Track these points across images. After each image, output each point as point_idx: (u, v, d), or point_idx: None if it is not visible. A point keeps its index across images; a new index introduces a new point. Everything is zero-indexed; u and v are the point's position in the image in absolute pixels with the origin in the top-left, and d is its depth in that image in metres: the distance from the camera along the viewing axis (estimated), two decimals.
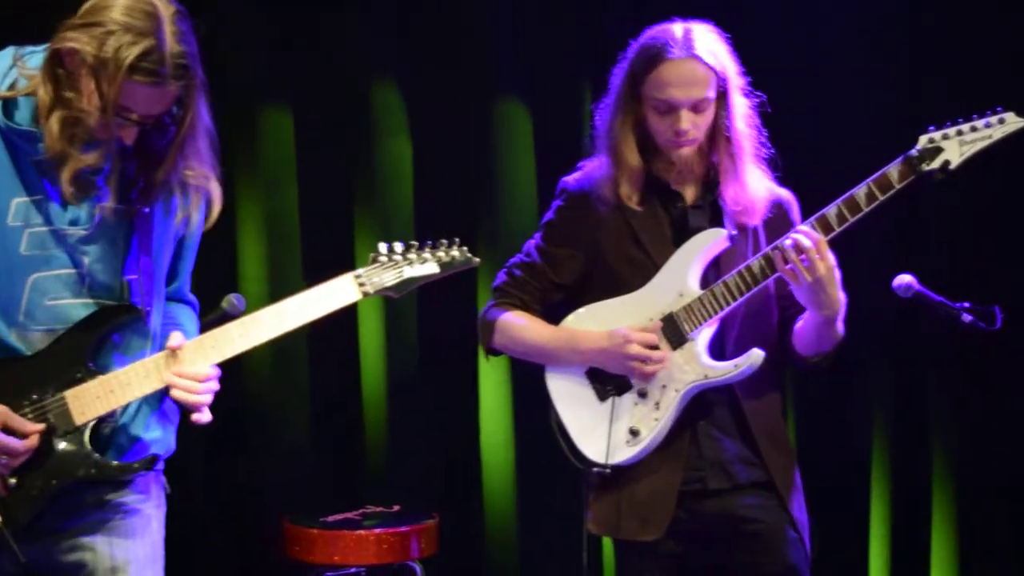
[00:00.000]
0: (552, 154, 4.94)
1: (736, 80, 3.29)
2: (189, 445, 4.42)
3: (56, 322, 2.76)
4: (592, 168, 3.39)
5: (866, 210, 3.18)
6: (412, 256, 2.87)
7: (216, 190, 2.82)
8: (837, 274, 3.19)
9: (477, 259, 2.94)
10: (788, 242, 3.16)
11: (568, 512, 4.81)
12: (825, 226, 3.17)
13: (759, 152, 3.34)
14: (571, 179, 3.41)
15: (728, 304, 3.23)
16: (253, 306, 2.85)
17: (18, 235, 2.73)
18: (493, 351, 3.48)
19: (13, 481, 2.75)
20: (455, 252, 2.91)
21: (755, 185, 3.31)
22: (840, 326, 3.26)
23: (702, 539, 3.31)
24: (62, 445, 2.78)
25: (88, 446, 2.78)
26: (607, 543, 4.84)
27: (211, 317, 2.89)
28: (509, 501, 4.90)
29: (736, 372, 3.23)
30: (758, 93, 3.34)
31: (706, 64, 3.21)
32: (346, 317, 4.48)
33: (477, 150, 4.93)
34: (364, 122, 4.86)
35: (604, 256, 3.35)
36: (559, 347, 3.35)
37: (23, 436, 2.73)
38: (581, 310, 3.38)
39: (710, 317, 3.24)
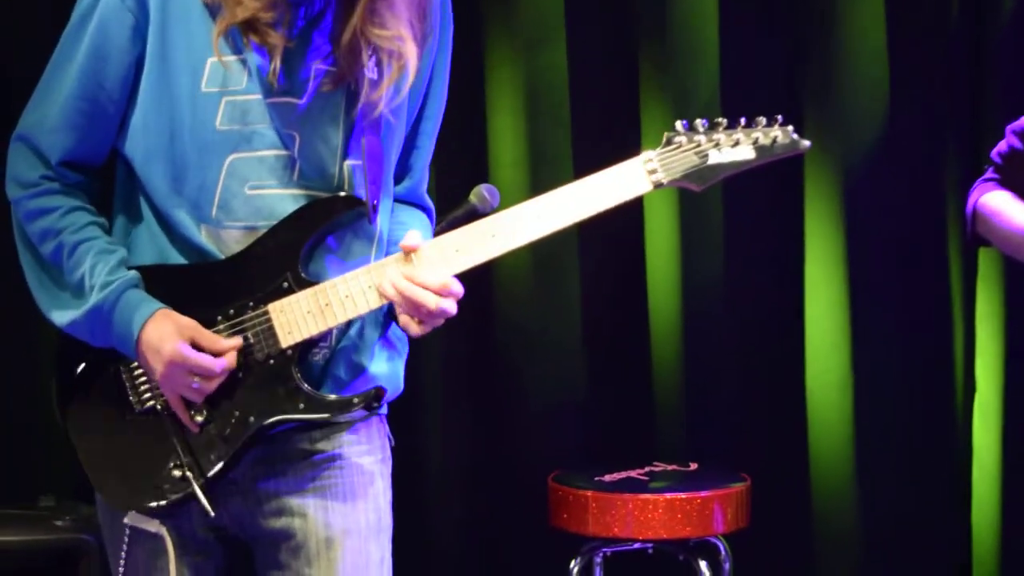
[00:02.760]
0: (910, 12, 4.65)
1: None
2: (425, 385, 4.64)
3: (258, 217, 2.73)
4: None
5: None
6: (720, 137, 2.71)
7: (413, 57, 2.77)
8: None
9: (807, 143, 2.75)
10: None
11: (925, 479, 4.75)
12: None
13: None
14: None
15: None
16: (509, 200, 2.81)
17: (214, 104, 2.70)
18: (977, 240, 3.49)
19: (200, 418, 2.72)
20: (777, 133, 2.72)
21: None
22: None
23: None
24: (263, 373, 2.73)
25: (297, 375, 2.72)
26: (979, 537, 4.74)
27: (456, 214, 2.88)
28: (845, 462, 4.69)
29: None
30: None
31: None
32: (630, 218, 4.71)
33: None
34: None
35: None
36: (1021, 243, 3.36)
37: (217, 355, 2.70)
38: None
39: None
